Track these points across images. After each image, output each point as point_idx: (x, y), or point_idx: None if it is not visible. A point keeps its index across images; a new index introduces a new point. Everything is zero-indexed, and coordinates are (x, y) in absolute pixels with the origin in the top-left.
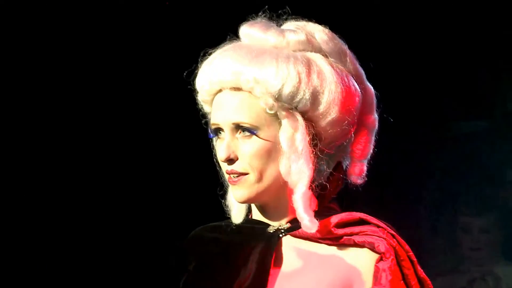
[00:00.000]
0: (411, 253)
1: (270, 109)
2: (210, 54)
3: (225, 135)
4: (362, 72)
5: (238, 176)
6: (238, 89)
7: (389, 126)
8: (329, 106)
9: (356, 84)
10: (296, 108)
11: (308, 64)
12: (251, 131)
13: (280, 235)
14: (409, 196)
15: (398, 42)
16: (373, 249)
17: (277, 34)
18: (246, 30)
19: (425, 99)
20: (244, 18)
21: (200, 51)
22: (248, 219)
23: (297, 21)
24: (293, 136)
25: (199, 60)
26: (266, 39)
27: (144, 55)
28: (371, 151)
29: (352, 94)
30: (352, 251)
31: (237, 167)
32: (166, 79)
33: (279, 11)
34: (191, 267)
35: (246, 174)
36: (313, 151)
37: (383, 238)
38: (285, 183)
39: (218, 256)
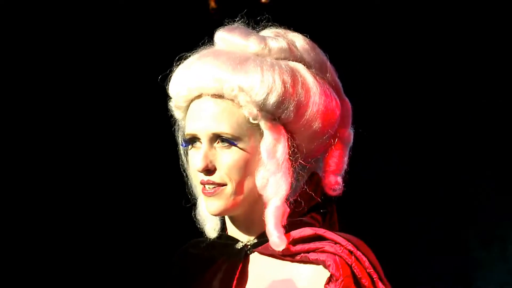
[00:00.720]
0: (371, 270)
1: (254, 119)
2: (185, 59)
3: (203, 144)
4: (340, 84)
5: (215, 187)
6: (219, 96)
7: None
8: (312, 118)
9: (336, 96)
10: (279, 118)
11: (293, 74)
12: (231, 141)
13: (248, 252)
14: None
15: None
16: (325, 267)
17: (258, 41)
18: (225, 35)
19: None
20: (219, 24)
21: (174, 55)
22: (223, 234)
23: (275, 28)
24: (274, 148)
25: (174, 64)
26: (246, 46)
27: (112, 60)
28: (346, 165)
29: (333, 107)
30: (307, 270)
31: (214, 177)
32: (138, 84)
33: (258, 18)
34: (171, 282)
35: (224, 185)
36: (292, 165)
37: (338, 255)
38: (260, 196)
39: (192, 272)
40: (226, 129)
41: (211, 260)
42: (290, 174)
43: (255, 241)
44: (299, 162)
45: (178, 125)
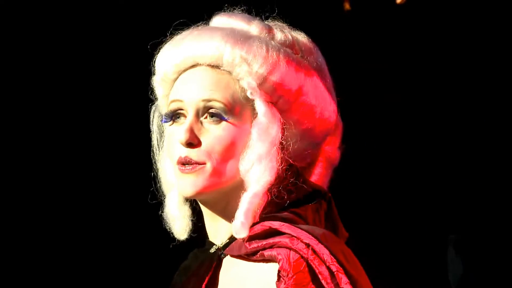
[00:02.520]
0: (332, 263)
1: (252, 93)
2: (179, 32)
3: (188, 116)
4: (334, 95)
5: (193, 164)
6: (215, 67)
7: None
8: (309, 114)
9: (334, 104)
10: (275, 103)
11: (298, 62)
12: (221, 115)
13: (222, 256)
14: None
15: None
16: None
17: (261, 26)
18: (224, 19)
19: None
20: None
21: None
22: (193, 234)
23: (280, 22)
24: (267, 130)
25: (167, 33)
26: (248, 29)
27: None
28: (327, 183)
29: (331, 111)
30: (261, 268)
31: (195, 153)
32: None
33: (259, 10)
34: None
35: (203, 164)
36: (281, 153)
37: (293, 249)
38: (240, 185)
39: (180, 282)
40: (219, 98)
41: (191, 269)
42: (278, 163)
43: (227, 241)
44: (287, 156)
45: (158, 108)
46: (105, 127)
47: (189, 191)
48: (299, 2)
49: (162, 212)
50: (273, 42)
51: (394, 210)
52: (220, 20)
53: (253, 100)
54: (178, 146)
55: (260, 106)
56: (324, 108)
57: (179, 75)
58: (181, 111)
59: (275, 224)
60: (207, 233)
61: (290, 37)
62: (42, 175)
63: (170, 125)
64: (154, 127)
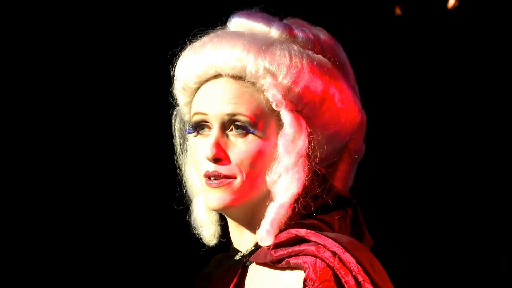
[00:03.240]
0: (357, 273)
1: (277, 105)
2: (199, 37)
3: (213, 129)
4: (358, 91)
5: (222, 179)
6: (238, 78)
7: None
8: (335, 117)
9: (358, 103)
10: (301, 112)
11: (321, 65)
12: (247, 128)
13: (247, 263)
14: None
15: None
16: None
17: (282, 27)
18: (243, 20)
19: None
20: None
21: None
22: (223, 239)
23: (298, 19)
24: (294, 141)
25: (187, 41)
26: (268, 31)
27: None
28: (352, 182)
29: (357, 110)
30: (287, 276)
31: (223, 168)
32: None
33: (273, 10)
34: None
35: (232, 178)
36: (308, 163)
37: (319, 257)
38: (267, 195)
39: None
40: (244, 111)
41: (215, 275)
42: (305, 173)
43: (253, 249)
44: (315, 164)
45: (179, 113)
46: (124, 132)
47: (217, 206)
48: (350, 8)
49: (189, 217)
50: (295, 47)
51: (414, 213)
52: (239, 21)
53: (278, 110)
54: (204, 160)
55: (286, 116)
56: (350, 109)
57: (201, 84)
58: (205, 123)
59: (301, 232)
60: (231, 240)
61: (311, 36)
62: (65, 179)
63: (195, 136)
64: (176, 132)
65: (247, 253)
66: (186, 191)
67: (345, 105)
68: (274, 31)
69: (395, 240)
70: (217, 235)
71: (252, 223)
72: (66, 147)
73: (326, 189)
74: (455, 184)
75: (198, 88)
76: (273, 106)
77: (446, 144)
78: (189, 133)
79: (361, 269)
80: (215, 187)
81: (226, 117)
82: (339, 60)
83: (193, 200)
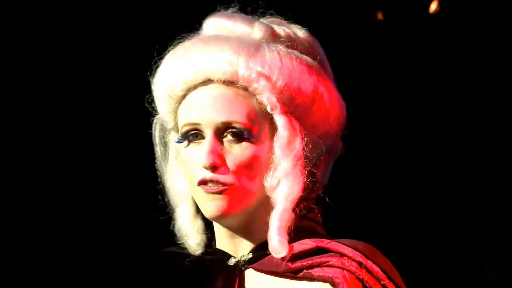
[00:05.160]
0: (386, 282)
1: (272, 108)
2: (178, 42)
3: (208, 137)
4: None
5: (219, 186)
6: (230, 83)
7: None
8: (325, 116)
9: (341, 99)
10: (293, 113)
11: (308, 64)
12: (242, 134)
13: (243, 268)
14: None
15: None
16: (333, 284)
17: (264, 27)
18: (222, 22)
19: None
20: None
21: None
22: (209, 248)
23: (274, 17)
24: (290, 145)
25: (168, 49)
26: (250, 32)
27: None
28: (327, 181)
29: (342, 107)
30: (313, 287)
31: (221, 175)
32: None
33: (248, 8)
34: None
35: (230, 185)
36: (306, 165)
37: (346, 269)
38: (264, 201)
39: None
40: (239, 118)
41: (196, 280)
42: (304, 175)
43: (250, 255)
44: (310, 166)
45: (161, 120)
46: (104, 140)
47: (216, 215)
48: (331, 13)
49: (173, 227)
50: (281, 47)
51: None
52: (217, 23)
53: (273, 113)
54: (199, 168)
55: (280, 119)
56: (336, 107)
57: (188, 91)
58: (198, 131)
59: (320, 242)
60: (215, 243)
61: (292, 34)
62: (47, 185)
63: (186, 146)
64: (156, 140)
65: (245, 260)
66: (168, 200)
67: (332, 104)
68: (256, 32)
69: (380, 241)
70: (202, 244)
71: (247, 229)
72: (44, 153)
73: (315, 189)
74: (440, 185)
75: (184, 95)
76: (268, 109)
77: (428, 145)
78: (178, 143)
79: (385, 276)
80: (214, 193)
81: (221, 125)
82: (321, 58)
83: (176, 209)
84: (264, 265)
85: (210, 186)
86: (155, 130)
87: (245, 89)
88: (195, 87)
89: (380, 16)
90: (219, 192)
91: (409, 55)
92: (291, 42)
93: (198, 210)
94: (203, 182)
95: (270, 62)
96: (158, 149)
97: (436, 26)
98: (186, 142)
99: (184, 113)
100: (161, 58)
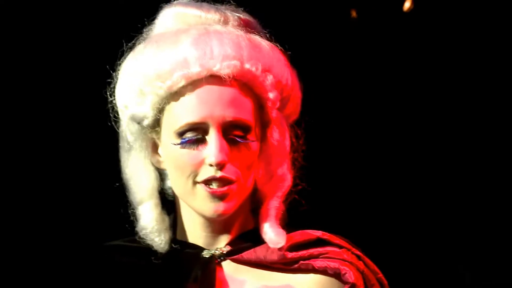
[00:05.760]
0: (380, 275)
1: (274, 104)
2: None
3: (214, 135)
4: None
5: (226, 185)
6: (231, 78)
7: None
8: (298, 105)
9: None
10: (279, 107)
11: (280, 51)
12: (247, 132)
13: (220, 259)
14: None
15: None
16: (338, 277)
17: (235, 16)
18: (192, 11)
19: None
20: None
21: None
22: (174, 239)
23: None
24: (284, 139)
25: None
26: (225, 21)
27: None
28: None
29: (300, 94)
30: (310, 279)
31: (230, 173)
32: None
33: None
34: None
35: (235, 182)
36: (296, 158)
37: (348, 262)
38: (248, 197)
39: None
40: (245, 116)
41: (167, 273)
42: (293, 167)
43: (227, 248)
44: (299, 157)
45: (137, 115)
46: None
47: (218, 214)
48: (305, 11)
49: (136, 225)
50: (258, 37)
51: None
52: (183, 13)
53: (273, 109)
54: (203, 167)
55: (276, 115)
56: (299, 93)
57: (184, 88)
58: (199, 129)
59: (317, 233)
60: (186, 236)
61: (253, 21)
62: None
63: (185, 146)
64: (128, 135)
65: (221, 252)
66: (132, 196)
67: (299, 91)
68: (231, 20)
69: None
70: (169, 241)
71: (228, 222)
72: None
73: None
74: (414, 186)
75: (176, 92)
76: (269, 105)
77: (397, 144)
78: (183, 143)
79: (379, 271)
80: (219, 194)
81: (228, 123)
82: (267, 39)
83: (140, 207)
84: (247, 257)
85: (216, 187)
86: (125, 124)
87: (245, 84)
88: (194, 83)
89: (354, 14)
90: (225, 195)
91: (383, 53)
92: (259, 30)
93: (162, 207)
94: (207, 181)
95: (267, 55)
96: (125, 144)
97: (410, 24)
98: (185, 142)
99: (183, 111)
100: (125, 51)
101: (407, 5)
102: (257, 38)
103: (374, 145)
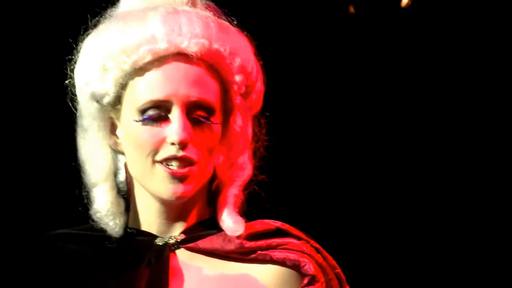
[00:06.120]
0: (338, 270)
1: (240, 87)
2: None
3: (177, 113)
4: None
5: (187, 166)
6: (199, 58)
7: None
8: (259, 98)
9: None
10: (243, 93)
11: (247, 37)
12: (210, 113)
13: (175, 247)
14: None
15: None
16: (296, 268)
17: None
18: None
19: None
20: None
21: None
22: (132, 228)
23: None
24: (246, 125)
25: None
26: (181, 1)
27: None
28: None
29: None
30: (268, 270)
31: (191, 153)
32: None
33: None
34: None
35: (195, 164)
36: (258, 146)
37: (307, 254)
38: (207, 184)
39: (88, 277)
40: (210, 97)
41: (118, 261)
42: (253, 155)
43: (182, 236)
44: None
45: (97, 92)
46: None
47: (175, 197)
48: (303, 6)
49: (91, 208)
50: (224, 20)
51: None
52: None
53: (228, 91)
54: (164, 146)
55: (239, 100)
56: (262, 84)
57: (150, 64)
58: (162, 107)
59: (273, 222)
60: (139, 222)
61: (216, 7)
62: None
63: (146, 123)
64: (85, 114)
65: (176, 240)
66: (87, 178)
67: (262, 84)
68: (199, 4)
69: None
70: (124, 225)
71: (184, 210)
72: None
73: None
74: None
75: (141, 68)
76: (235, 88)
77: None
78: (144, 121)
79: (338, 266)
80: (179, 175)
81: (192, 103)
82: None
83: (95, 189)
84: (202, 246)
85: (176, 168)
86: (84, 103)
87: (212, 66)
88: (161, 59)
89: (352, 9)
90: (185, 175)
91: (380, 49)
92: (224, 17)
93: (119, 190)
94: (167, 160)
95: (235, 39)
96: (82, 124)
97: (408, 20)
98: (146, 120)
99: (147, 88)
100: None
101: (405, 0)
102: (225, 22)
103: (353, 141)
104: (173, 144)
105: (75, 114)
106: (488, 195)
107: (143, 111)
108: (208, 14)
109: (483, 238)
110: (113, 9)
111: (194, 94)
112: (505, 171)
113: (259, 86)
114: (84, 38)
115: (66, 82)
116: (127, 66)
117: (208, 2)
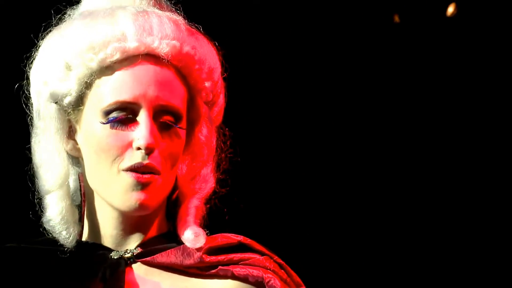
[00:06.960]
0: (303, 287)
1: (208, 94)
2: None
3: (145, 118)
4: None
5: (151, 173)
6: (168, 61)
7: None
8: (220, 110)
9: None
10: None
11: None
12: (176, 119)
13: (130, 261)
14: None
15: None
16: (260, 285)
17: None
18: None
19: None
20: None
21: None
22: (84, 241)
23: None
24: (211, 135)
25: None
26: (147, 2)
27: None
28: None
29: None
30: (229, 287)
31: (155, 163)
32: None
33: None
34: None
35: (159, 173)
36: (222, 157)
37: (271, 270)
38: (166, 198)
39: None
40: (177, 103)
41: (70, 275)
42: (216, 166)
43: (138, 250)
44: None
45: (58, 91)
46: None
47: (136, 207)
48: (349, 15)
49: (43, 215)
50: (184, 23)
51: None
52: None
53: (194, 100)
54: (129, 152)
55: (205, 108)
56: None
57: (118, 64)
58: (128, 109)
59: (235, 236)
60: (94, 234)
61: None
62: None
63: (112, 126)
64: (42, 116)
65: (132, 253)
66: (41, 184)
67: (223, 97)
68: (165, 9)
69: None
70: (77, 235)
71: (142, 222)
72: None
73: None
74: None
75: (107, 67)
76: (203, 94)
77: (429, 147)
78: (110, 123)
79: (302, 282)
80: (144, 181)
81: (160, 107)
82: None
83: (49, 196)
84: (160, 260)
85: (142, 174)
86: (41, 104)
87: (181, 72)
88: (130, 59)
89: (396, 19)
90: (148, 182)
91: (425, 58)
92: (189, 23)
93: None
94: (135, 168)
95: (204, 44)
96: (40, 124)
97: (453, 29)
98: (111, 123)
99: (114, 88)
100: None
101: (450, 10)
102: (193, 28)
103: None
104: (139, 149)
105: (30, 115)
106: (488, 196)
107: (108, 112)
108: (178, 17)
109: (479, 241)
110: (75, 7)
111: (163, 98)
112: (505, 171)
113: (221, 99)
114: (44, 36)
115: (22, 82)
116: (93, 64)
117: (173, 8)
